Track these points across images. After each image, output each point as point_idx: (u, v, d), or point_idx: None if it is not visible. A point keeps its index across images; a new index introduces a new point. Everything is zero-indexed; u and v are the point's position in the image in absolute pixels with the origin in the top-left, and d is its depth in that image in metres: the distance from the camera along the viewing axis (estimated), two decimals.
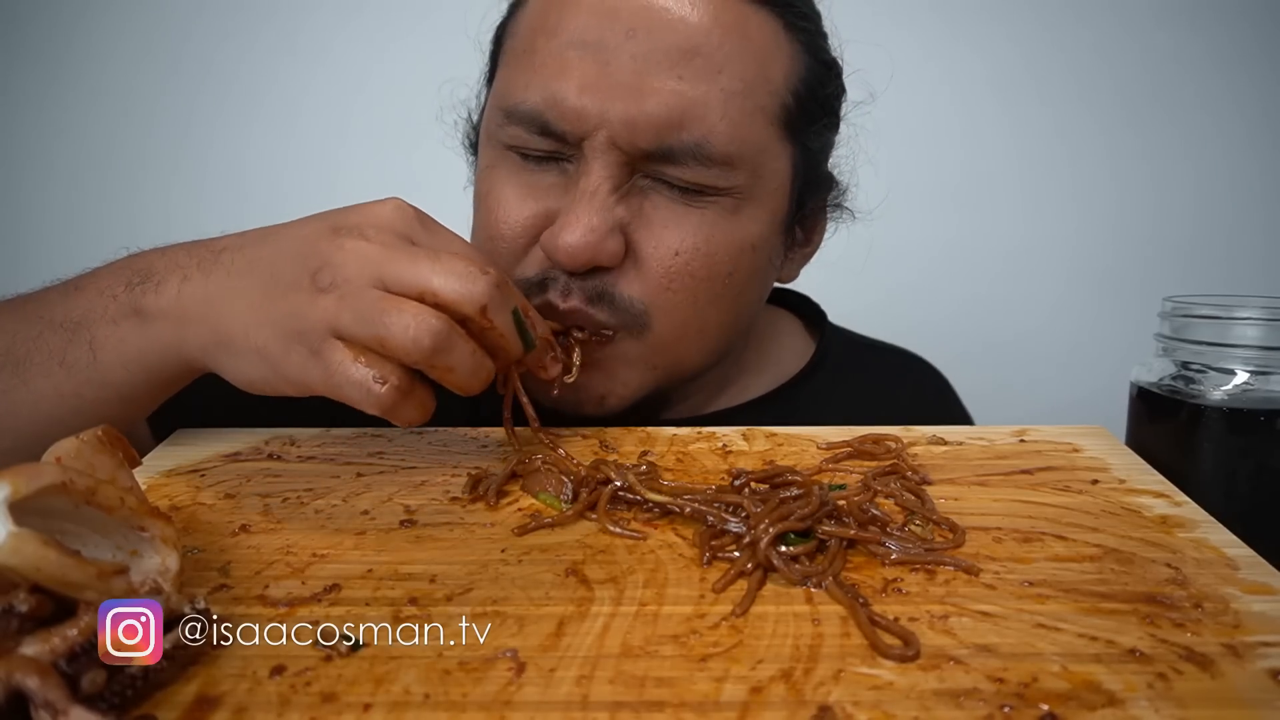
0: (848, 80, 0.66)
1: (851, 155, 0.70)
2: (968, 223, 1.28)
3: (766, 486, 0.46)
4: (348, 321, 0.42)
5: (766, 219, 0.61)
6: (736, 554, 0.40)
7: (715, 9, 0.55)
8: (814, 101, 0.61)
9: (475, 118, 0.69)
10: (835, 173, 0.69)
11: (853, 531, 0.41)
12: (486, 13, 0.66)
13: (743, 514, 0.42)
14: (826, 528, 0.41)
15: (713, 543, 0.41)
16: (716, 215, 0.57)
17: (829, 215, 0.70)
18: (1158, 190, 1.27)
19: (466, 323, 0.44)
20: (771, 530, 0.39)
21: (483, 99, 0.67)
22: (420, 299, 0.42)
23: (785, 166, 0.61)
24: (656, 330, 0.58)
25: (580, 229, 0.54)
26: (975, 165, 1.28)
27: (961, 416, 0.80)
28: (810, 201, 0.66)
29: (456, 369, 0.43)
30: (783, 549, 0.39)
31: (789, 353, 0.75)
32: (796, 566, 0.38)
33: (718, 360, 0.66)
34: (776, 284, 0.70)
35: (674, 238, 0.57)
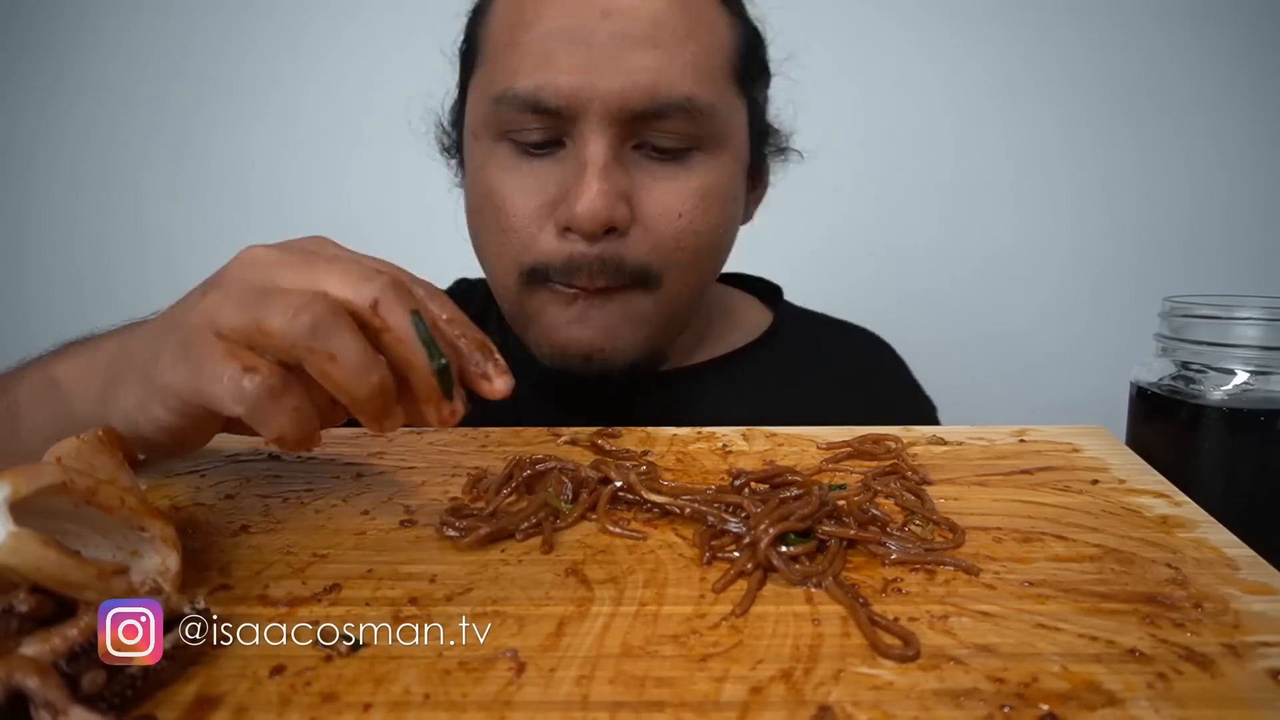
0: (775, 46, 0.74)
1: (791, 105, 0.78)
2: (967, 222, 1.28)
3: (766, 487, 0.46)
4: (227, 313, 0.38)
5: (738, 168, 0.68)
6: (736, 554, 0.40)
7: None
8: (754, 60, 0.69)
9: (447, 122, 0.73)
10: (774, 123, 0.76)
11: (853, 531, 0.41)
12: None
13: (742, 514, 0.42)
14: (826, 528, 0.41)
15: (713, 543, 0.41)
16: (702, 170, 0.63)
17: (773, 159, 0.77)
18: (1157, 190, 1.27)
19: (363, 327, 0.38)
20: (771, 531, 0.39)
21: (454, 102, 0.71)
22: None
23: (743, 118, 0.68)
24: (667, 289, 0.64)
25: (595, 194, 0.58)
26: (974, 164, 1.28)
27: (914, 393, 0.82)
28: (762, 148, 0.73)
29: (340, 358, 0.37)
30: (783, 549, 0.39)
31: (750, 321, 0.81)
32: (796, 567, 0.38)
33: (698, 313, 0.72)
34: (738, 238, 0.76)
35: (675, 200, 0.62)
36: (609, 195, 0.59)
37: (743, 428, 0.58)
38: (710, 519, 0.42)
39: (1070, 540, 0.42)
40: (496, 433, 0.57)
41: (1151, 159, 1.26)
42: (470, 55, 0.68)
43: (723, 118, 0.64)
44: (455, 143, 0.72)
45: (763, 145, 0.74)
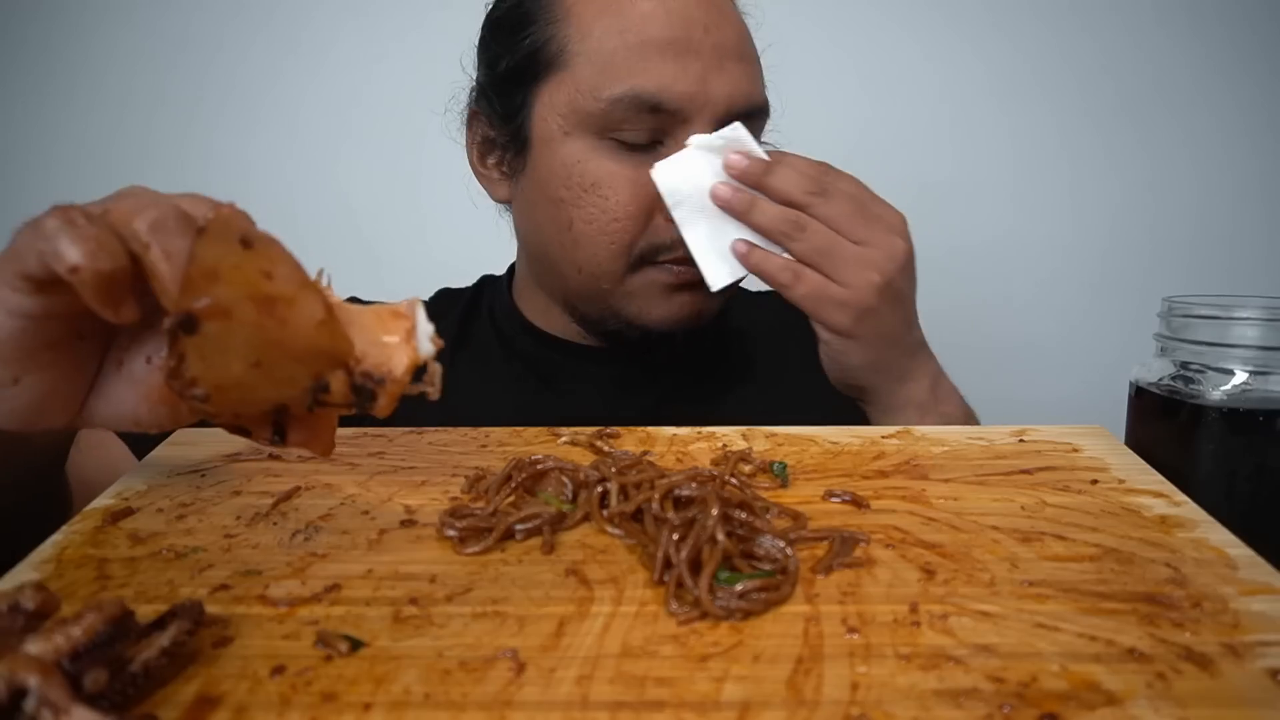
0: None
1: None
2: (967, 222, 1.29)
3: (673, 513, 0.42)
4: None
5: None
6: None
7: (738, 13, 0.74)
8: None
9: (518, 119, 0.74)
10: None
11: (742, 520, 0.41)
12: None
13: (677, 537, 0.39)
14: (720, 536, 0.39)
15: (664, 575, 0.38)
16: None
17: None
18: (1157, 190, 1.27)
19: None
20: (704, 582, 0.36)
21: (527, 103, 0.72)
22: None
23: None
24: None
25: None
26: (974, 164, 1.28)
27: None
28: None
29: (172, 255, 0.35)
30: (738, 588, 0.36)
31: None
32: (741, 602, 0.36)
33: None
34: None
35: None
36: None
37: (743, 427, 0.58)
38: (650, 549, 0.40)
39: (1070, 540, 0.42)
40: (496, 433, 0.57)
41: (1151, 158, 1.26)
42: (539, 60, 0.71)
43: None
44: (506, 142, 0.75)
45: None
